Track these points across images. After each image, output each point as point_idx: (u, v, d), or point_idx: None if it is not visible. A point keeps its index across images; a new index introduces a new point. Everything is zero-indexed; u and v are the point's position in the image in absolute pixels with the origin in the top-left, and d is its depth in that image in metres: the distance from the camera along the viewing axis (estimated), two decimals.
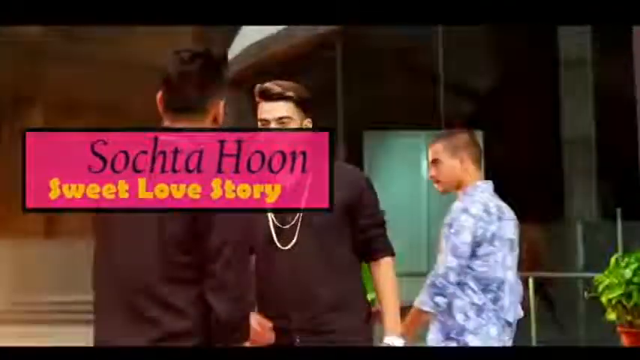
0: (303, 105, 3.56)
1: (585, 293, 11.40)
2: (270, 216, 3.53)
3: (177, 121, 2.77)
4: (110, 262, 2.70)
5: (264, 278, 3.55)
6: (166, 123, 2.79)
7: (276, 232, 3.51)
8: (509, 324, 4.09)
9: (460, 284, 3.98)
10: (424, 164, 13.01)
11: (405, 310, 10.64)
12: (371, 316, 3.60)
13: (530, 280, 9.26)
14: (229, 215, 2.64)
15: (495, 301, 4.01)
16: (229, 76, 2.82)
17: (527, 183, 12.48)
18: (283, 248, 3.49)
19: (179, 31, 15.78)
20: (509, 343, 4.07)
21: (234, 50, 14.49)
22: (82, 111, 17.93)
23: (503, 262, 4.06)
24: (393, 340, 3.51)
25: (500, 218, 4.08)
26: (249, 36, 13.89)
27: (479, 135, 12.93)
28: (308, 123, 3.58)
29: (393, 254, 3.63)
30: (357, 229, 3.55)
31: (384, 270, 3.59)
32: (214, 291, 2.60)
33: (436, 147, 4.21)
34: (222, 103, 2.82)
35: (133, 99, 16.18)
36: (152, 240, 2.63)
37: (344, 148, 14.08)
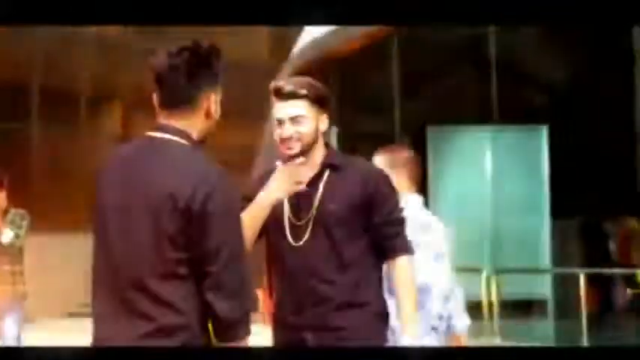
0: (318, 103, 3.48)
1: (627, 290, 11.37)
2: (287, 211, 3.48)
3: (170, 117, 2.74)
4: (106, 257, 2.70)
5: (277, 273, 3.53)
6: (160, 120, 2.76)
7: (290, 228, 3.47)
8: (434, 329, 4.17)
9: (390, 289, 3.97)
10: (488, 158, 13.02)
11: (469, 305, 10.55)
12: (388, 315, 3.53)
13: (582, 277, 9.23)
14: (226, 213, 2.62)
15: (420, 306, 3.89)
16: (222, 70, 2.80)
17: (598, 178, 12.41)
18: (295, 244, 3.43)
19: (254, 30, 15.99)
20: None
21: (298, 46, 14.63)
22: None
23: (425, 271, 4.09)
24: (408, 339, 3.42)
25: (425, 230, 4.21)
26: (310, 31, 13.98)
27: (543, 129, 12.94)
28: (324, 120, 3.52)
29: (410, 253, 3.51)
30: (373, 228, 3.46)
31: (400, 269, 3.48)
32: (213, 290, 2.59)
33: (377, 158, 4.36)
34: (213, 97, 2.77)
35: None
36: (146, 235, 2.60)
37: (407, 143, 14.13)
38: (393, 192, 3.55)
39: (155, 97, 2.78)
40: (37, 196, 14.65)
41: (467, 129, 13.30)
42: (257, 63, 17.09)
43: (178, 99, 2.73)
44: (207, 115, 2.77)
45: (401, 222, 3.54)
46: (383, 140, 13.48)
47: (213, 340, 2.65)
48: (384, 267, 3.57)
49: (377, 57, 13.45)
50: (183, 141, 2.71)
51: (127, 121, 19.26)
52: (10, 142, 16.48)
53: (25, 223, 6.73)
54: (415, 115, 13.63)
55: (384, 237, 3.47)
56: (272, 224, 3.48)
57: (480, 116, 12.92)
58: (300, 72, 14.19)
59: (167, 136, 2.72)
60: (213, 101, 2.77)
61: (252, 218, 3.36)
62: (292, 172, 3.39)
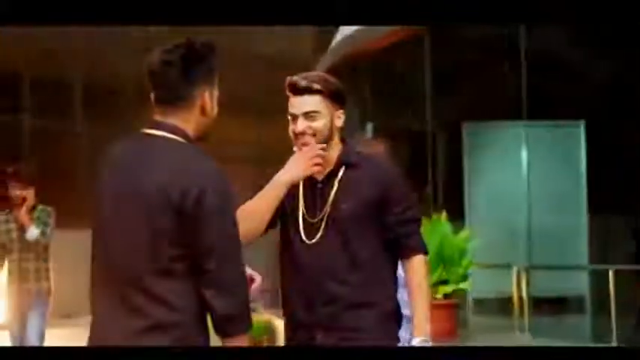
0: (333, 98, 3.43)
1: None
2: (301, 208, 3.44)
3: (166, 114, 2.75)
4: (103, 254, 2.72)
5: (288, 271, 3.48)
6: (156, 117, 2.77)
7: (303, 225, 3.42)
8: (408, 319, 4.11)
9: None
10: (524, 154, 12.95)
11: (501, 302, 10.53)
12: (401, 316, 3.49)
13: (610, 273, 9.15)
14: (220, 210, 2.62)
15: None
16: (218, 66, 2.80)
17: (636, 174, 12.28)
18: (308, 242, 3.39)
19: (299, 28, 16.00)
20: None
21: (333, 42, 14.64)
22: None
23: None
24: (420, 341, 3.37)
25: None
26: (343, 28, 13.98)
27: (581, 125, 12.82)
28: (340, 116, 3.47)
29: (424, 252, 3.47)
30: (387, 226, 3.42)
31: (415, 268, 3.43)
32: (209, 287, 2.60)
33: None
34: (208, 93, 2.77)
35: (259, 93, 16.41)
36: (141, 232, 2.61)
37: (443, 139, 14.10)
38: (408, 190, 3.50)
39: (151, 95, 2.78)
40: (80, 194, 14.83)
41: (503, 125, 13.22)
42: (300, 59, 17.13)
43: (172, 95, 2.73)
44: (203, 111, 2.76)
45: (415, 221, 3.49)
46: (417, 136, 13.55)
47: (219, 337, 2.66)
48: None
49: (410, 52, 13.43)
50: (178, 138, 2.71)
51: None
52: (54, 140, 16.72)
53: (51, 220, 6.76)
54: (451, 111, 13.60)
55: (399, 236, 3.43)
56: (286, 221, 3.46)
57: (517, 112, 12.84)
58: (334, 68, 14.23)
59: (162, 133, 2.72)
60: (208, 98, 2.76)
61: (268, 197, 3.34)
62: (309, 154, 3.36)
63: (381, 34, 12.84)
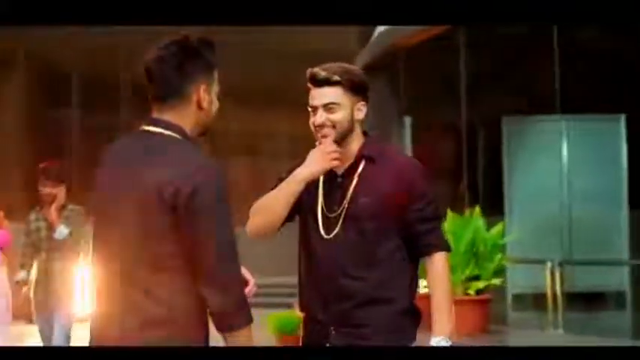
0: (354, 89, 3.33)
1: None
2: (320, 203, 3.37)
3: (162, 110, 2.73)
4: (102, 249, 2.74)
5: (305, 265, 3.42)
6: (153, 113, 2.75)
7: (322, 220, 3.34)
8: None
9: None
10: (564, 148, 12.84)
11: (540, 298, 10.43)
12: (419, 315, 3.40)
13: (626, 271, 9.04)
14: (214, 207, 2.61)
15: None
16: (215, 61, 2.78)
17: None
18: (326, 237, 3.32)
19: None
20: None
21: (372, 37, 14.65)
22: (249, 99, 18.30)
23: None
24: (439, 341, 3.26)
25: None
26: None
27: (622, 118, 12.68)
28: (361, 108, 3.37)
29: (446, 249, 3.37)
30: (407, 222, 3.31)
31: (435, 266, 3.33)
32: (205, 283, 2.60)
33: None
34: (204, 88, 2.74)
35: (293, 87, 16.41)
36: (137, 229, 2.62)
37: (482, 134, 14.04)
38: (429, 186, 3.38)
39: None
40: None
41: (543, 119, 13.12)
42: (343, 54, 17.13)
43: (167, 91, 2.71)
44: (199, 107, 2.74)
45: (437, 217, 3.39)
46: (455, 131, 13.49)
47: (220, 334, 2.67)
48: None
49: (448, 46, 13.38)
50: (174, 134, 2.70)
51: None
52: (101, 138, 16.93)
53: (80, 219, 6.64)
54: (491, 105, 13.53)
55: (419, 232, 3.32)
56: (305, 215, 3.40)
57: (557, 106, 12.74)
58: (373, 63, 14.24)
59: (158, 129, 2.71)
60: (204, 93, 2.74)
61: (285, 193, 3.30)
62: (328, 149, 3.30)
63: (419, 29, 12.81)
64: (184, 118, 2.73)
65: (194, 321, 2.66)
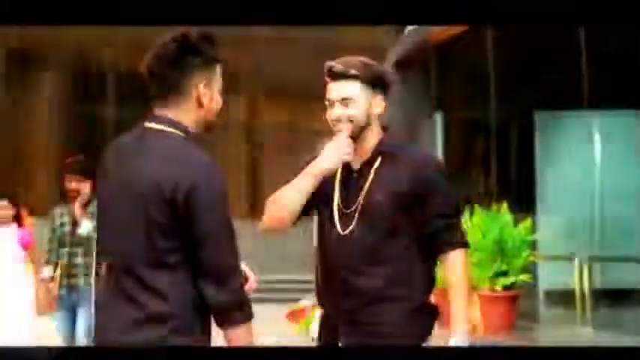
0: (371, 84, 3.30)
1: None
2: (337, 199, 3.35)
3: (163, 107, 2.75)
4: (104, 245, 2.78)
5: (321, 261, 3.40)
6: (155, 110, 2.77)
7: (338, 216, 3.32)
8: None
9: None
10: (597, 143, 12.71)
11: (571, 294, 10.34)
12: (436, 312, 3.37)
13: None
14: (212, 203, 2.63)
15: None
16: (215, 57, 2.78)
17: None
18: (341, 233, 3.29)
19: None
20: None
21: (405, 32, 14.61)
22: (282, 92, 18.31)
23: None
24: (456, 341, 3.23)
25: None
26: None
27: None
28: (379, 102, 3.33)
29: (464, 246, 3.32)
30: (424, 219, 3.28)
31: (452, 264, 3.28)
32: (203, 279, 2.63)
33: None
34: (204, 85, 2.74)
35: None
36: (138, 224, 2.64)
37: (515, 128, 13.94)
38: (446, 182, 3.32)
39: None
40: None
41: (575, 114, 12.99)
42: (379, 48, 17.10)
43: (166, 88, 2.73)
44: (199, 103, 2.75)
45: (455, 214, 3.33)
46: (484, 126, 13.41)
47: (220, 329, 2.69)
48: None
49: (480, 41, 13.31)
50: (174, 131, 2.72)
51: (252, 111, 19.57)
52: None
53: None
54: (524, 100, 13.42)
55: (436, 230, 3.28)
56: (322, 210, 3.39)
57: (589, 101, 12.61)
58: (405, 58, 14.20)
59: (159, 126, 2.73)
60: (205, 89, 2.75)
61: (300, 187, 3.28)
62: (342, 143, 3.28)
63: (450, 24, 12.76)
64: (185, 114, 2.75)
65: (195, 316, 2.68)
